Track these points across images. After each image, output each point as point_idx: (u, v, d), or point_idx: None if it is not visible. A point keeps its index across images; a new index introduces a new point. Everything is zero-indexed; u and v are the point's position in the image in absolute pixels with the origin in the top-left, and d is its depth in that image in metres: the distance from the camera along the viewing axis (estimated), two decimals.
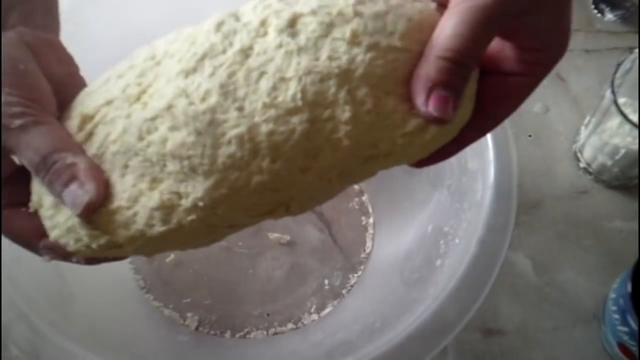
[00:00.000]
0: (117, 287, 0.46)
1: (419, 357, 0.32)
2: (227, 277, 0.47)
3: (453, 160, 0.40)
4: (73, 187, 0.25)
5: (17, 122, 0.25)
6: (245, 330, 0.45)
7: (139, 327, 0.44)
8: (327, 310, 0.45)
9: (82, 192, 0.25)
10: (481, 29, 0.25)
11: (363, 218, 0.49)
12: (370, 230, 0.48)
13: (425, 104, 0.25)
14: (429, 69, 0.25)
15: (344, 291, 0.46)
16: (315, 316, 0.45)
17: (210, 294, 0.46)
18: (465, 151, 0.39)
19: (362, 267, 0.47)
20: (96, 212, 0.26)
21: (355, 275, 0.47)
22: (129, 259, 0.47)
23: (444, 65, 0.24)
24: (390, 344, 0.32)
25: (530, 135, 0.52)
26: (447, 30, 0.25)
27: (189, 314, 0.45)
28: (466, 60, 0.25)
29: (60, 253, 0.27)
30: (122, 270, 0.47)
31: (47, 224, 0.27)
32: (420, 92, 0.25)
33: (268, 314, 0.45)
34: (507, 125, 0.38)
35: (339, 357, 0.33)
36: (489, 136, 0.37)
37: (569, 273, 0.46)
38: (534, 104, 0.53)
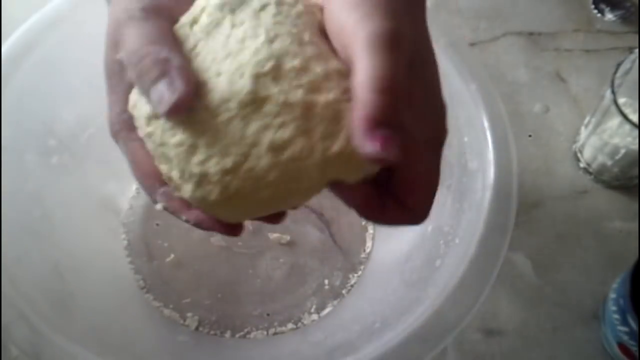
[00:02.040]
0: (117, 287, 0.46)
1: (419, 357, 0.32)
2: (227, 277, 0.47)
3: (453, 160, 0.40)
4: (162, 84, 0.24)
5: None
6: (245, 330, 0.45)
7: (139, 327, 0.44)
8: (327, 310, 0.45)
9: (170, 91, 0.23)
10: (395, 49, 0.23)
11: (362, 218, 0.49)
12: (370, 230, 0.48)
13: (373, 146, 0.22)
14: (366, 108, 0.22)
15: (344, 291, 0.46)
16: (315, 316, 0.45)
17: (210, 294, 0.46)
18: (465, 151, 0.39)
19: (362, 267, 0.47)
20: (182, 112, 0.24)
21: (355, 275, 0.47)
22: (128, 259, 0.47)
23: (381, 100, 0.22)
24: (390, 344, 0.32)
25: (530, 135, 0.52)
26: (365, 62, 0.23)
27: (189, 314, 0.45)
28: (398, 86, 0.23)
29: (175, 203, 0.27)
30: (122, 271, 0.47)
31: (149, 145, 0.27)
32: (365, 135, 0.22)
33: (268, 314, 0.45)
34: (507, 125, 0.38)
35: (339, 357, 0.33)
36: (489, 136, 0.37)
37: (569, 273, 0.46)
38: (534, 104, 0.53)
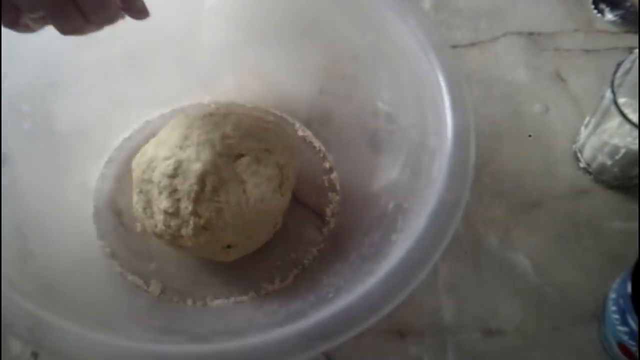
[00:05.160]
0: (80, 249, 0.47)
1: (361, 322, 0.33)
2: None
3: (415, 138, 0.43)
4: None
5: None
6: (207, 298, 0.45)
7: (100, 290, 0.45)
8: (288, 281, 0.46)
9: None
10: None
11: (330, 195, 0.50)
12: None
13: None
14: None
15: (305, 262, 0.47)
16: (277, 286, 0.46)
17: (175, 262, 0.47)
18: (428, 130, 0.41)
19: (324, 242, 0.48)
20: None
21: (317, 248, 0.47)
22: (95, 226, 0.48)
23: None
24: (334, 310, 0.33)
25: (530, 135, 0.52)
26: None
27: (152, 281, 0.46)
28: None
29: None
30: (88, 236, 0.47)
31: None
32: None
33: (229, 284, 0.46)
34: (469, 105, 0.39)
35: (290, 323, 0.34)
36: (448, 115, 0.39)
37: (569, 273, 0.46)
38: (534, 104, 0.53)
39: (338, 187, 0.50)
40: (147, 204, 0.43)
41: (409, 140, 0.44)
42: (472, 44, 0.56)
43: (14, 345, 0.43)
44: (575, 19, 0.58)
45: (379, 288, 0.34)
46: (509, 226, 0.48)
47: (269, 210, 0.43)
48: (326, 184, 0.50)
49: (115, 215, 0.48)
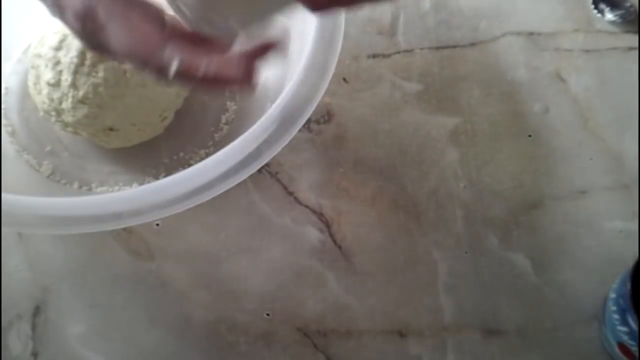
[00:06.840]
0: None
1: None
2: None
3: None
4: None
5: None
6: (92, 184, 0.48)
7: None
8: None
9: None
10: None
11: (229, 103, 0.52)
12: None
13: None
14: None
15: (192, 162, 0.48)
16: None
17: (69, 148, 0.50)
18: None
19: (214, 146, 0.50)
20: None
21: (205, 152, 0.49)
22: (4, 105, 0.52)
23: None
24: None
25: (530, 136, 0.52)
26: None
27: (44, 162, 0.49)
28: None
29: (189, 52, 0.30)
30: None
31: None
32: None
33: (117, 173, 0.49)
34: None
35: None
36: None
37: (569, 273, 0.46)
38: (533, 104, 0.53)
39: (237, 97, 0.52)
40: (37, 79, 0.46)
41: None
42: (472, 44, 0.56)
43: (14, 345, 0.43)
44: (575, 19, 0.58)
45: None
46: (509, 226, 0.48)
47: (152, 97, 0.46)
48: (226, 92, 0.52)
49: (20, 97, 0.52)
